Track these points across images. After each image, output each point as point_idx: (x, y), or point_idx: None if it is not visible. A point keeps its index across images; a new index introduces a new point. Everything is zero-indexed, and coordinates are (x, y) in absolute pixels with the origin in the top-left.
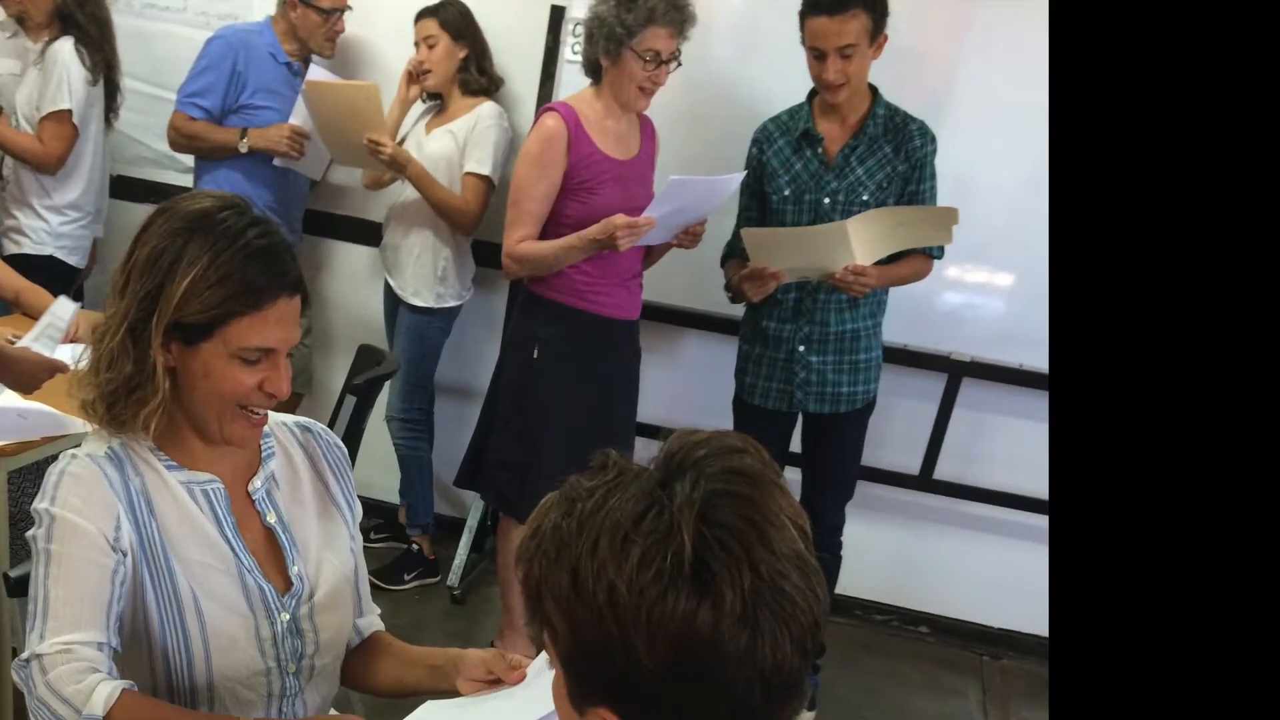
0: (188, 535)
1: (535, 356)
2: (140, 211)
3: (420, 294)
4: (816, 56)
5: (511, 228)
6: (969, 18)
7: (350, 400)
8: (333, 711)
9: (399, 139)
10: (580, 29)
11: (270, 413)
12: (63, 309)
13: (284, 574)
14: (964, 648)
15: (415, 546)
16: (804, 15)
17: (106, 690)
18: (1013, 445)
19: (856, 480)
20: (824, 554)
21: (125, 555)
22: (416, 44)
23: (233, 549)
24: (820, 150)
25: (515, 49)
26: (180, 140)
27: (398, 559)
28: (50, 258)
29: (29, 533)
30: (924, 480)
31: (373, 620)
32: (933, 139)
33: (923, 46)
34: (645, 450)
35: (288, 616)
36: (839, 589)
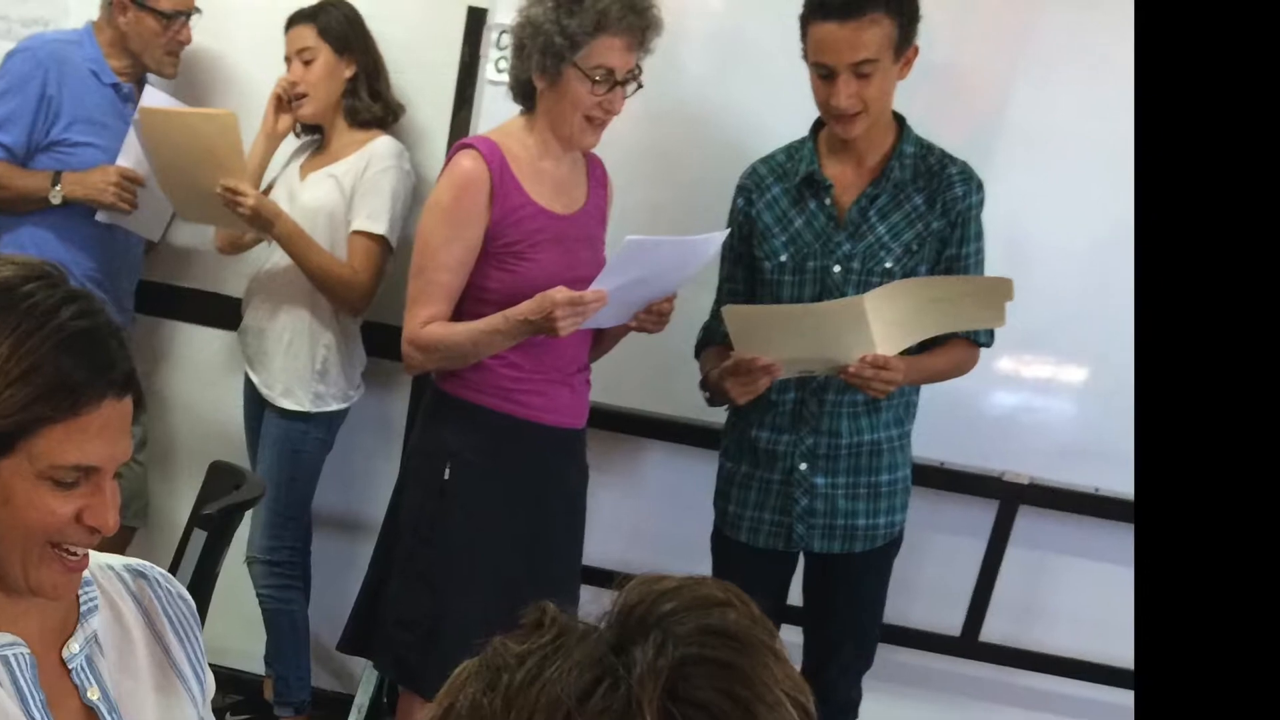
0: None
1: (447, 477)
2: None
3: (293, 394)
4: (823, 75)
5: (415, 305)
6: (1027, 24)
7: (199, 536)
8: None
9: (264, 186)
10: (507, 39)
11: (92, 553)
12: None
13: None
14: None
15: None
16: (806, 20)
17: None
18: (1085, 596)
19: (877, 643)
20: None
21: None
22: (288, 59)
23: None
24: (828, 201)
25: (420, 65)
26: None
27: None
28: None
29: None
30: (967, 643)
31: None
32: (979, 186)
33: (965, 62)
34: (594, 603)
35: None
36: None
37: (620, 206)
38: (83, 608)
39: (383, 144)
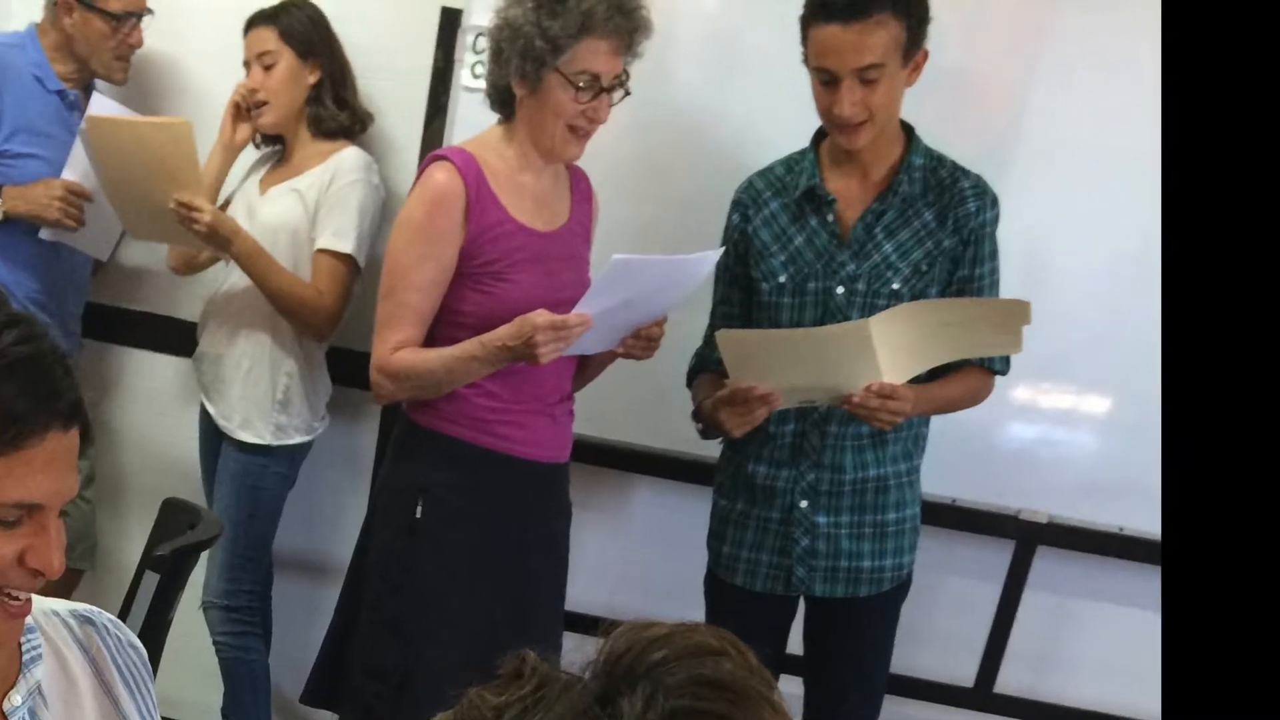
0: None
1: (418, 515)
2: None
3: (252, 425)
4: (826, 81)
5: (385, 329)
6: (1045, 25)
7: (151, 579)
8: None
9: (222, 201)
10: (484, 42)
11: (35, 598)
12: None
13: None
14: None
15: None
16: (807, 22)
17: None
18: (1109, 644)
19: (883, 694)
20: None
21: None
22: (247, 64)
23: None
24: (831, 218)
25: (390, 71)
26: None
27: None
28: None
29: None
30: (981, 695)
31: None
32: (994, 201)
33: (979, 67)
34: (578, 651)
35: None
36: None
37: (606, 223)
38: (25, 657)
39: (349, 156)
